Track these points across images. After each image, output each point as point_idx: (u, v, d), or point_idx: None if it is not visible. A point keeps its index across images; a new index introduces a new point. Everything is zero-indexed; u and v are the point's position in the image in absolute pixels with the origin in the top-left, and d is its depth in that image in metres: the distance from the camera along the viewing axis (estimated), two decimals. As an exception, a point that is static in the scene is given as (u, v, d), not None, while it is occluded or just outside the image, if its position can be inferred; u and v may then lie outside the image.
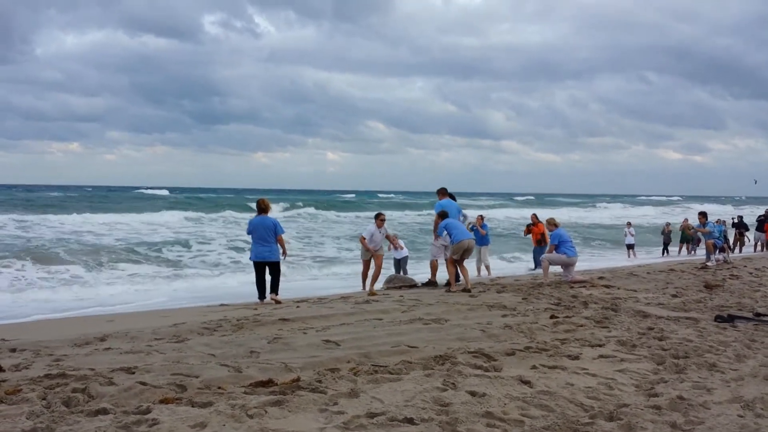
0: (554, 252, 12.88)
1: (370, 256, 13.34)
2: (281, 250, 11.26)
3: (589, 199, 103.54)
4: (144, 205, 50.92)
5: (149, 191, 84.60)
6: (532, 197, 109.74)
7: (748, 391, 4.89)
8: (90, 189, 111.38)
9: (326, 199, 72.68)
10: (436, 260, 13.00)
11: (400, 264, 15.00)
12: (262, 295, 11.21)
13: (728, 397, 4.73)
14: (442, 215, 12.43)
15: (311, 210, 50.06)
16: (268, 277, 11.23)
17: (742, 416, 4.31)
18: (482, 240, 16.62)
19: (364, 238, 13.43)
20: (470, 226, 14.26)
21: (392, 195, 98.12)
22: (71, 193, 79.45)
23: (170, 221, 35.16)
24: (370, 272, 13.29)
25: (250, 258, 11.55)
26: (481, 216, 17.57)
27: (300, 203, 57.93)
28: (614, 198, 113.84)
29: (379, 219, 13.55)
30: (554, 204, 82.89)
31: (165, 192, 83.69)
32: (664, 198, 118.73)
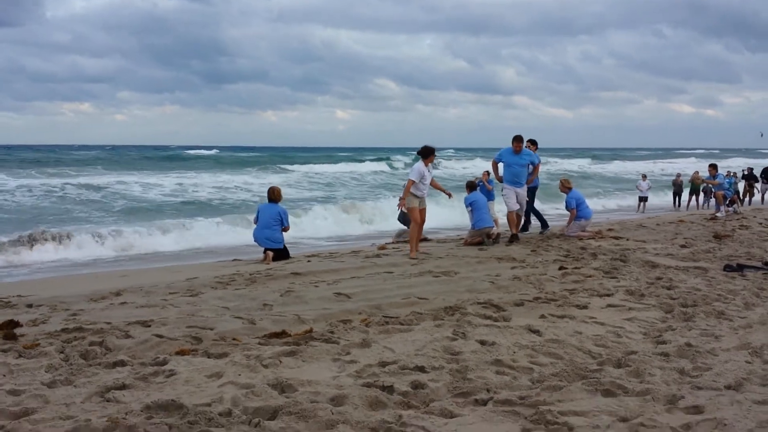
0: (575, 217, 12.25)
1: (418, 203, 10.38)
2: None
3: (609, 152, 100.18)
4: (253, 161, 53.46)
5: (194, 152, 77.16)
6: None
7: (756, 338, 4.93)
8: (109, 147, 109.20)
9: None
10: (513, 213, 11.86)
11: (405, 219, 14.93)
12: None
13: (736, 344, 4.77)
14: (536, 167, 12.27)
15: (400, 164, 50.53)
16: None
17: (749, 362, 4.35)
18: (489, 195, 16.79)
19: (413, 182, 10.20)
20: (477, 181, 14.16)
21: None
22: (92, 152, 75.51)
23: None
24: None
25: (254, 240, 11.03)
26: (487, 172, 17.72)
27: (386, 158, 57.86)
28: (628, 152, 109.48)
29: (432, 155, 10.58)
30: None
31: (215, 151, 77.71)
32: (705, 150, 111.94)
